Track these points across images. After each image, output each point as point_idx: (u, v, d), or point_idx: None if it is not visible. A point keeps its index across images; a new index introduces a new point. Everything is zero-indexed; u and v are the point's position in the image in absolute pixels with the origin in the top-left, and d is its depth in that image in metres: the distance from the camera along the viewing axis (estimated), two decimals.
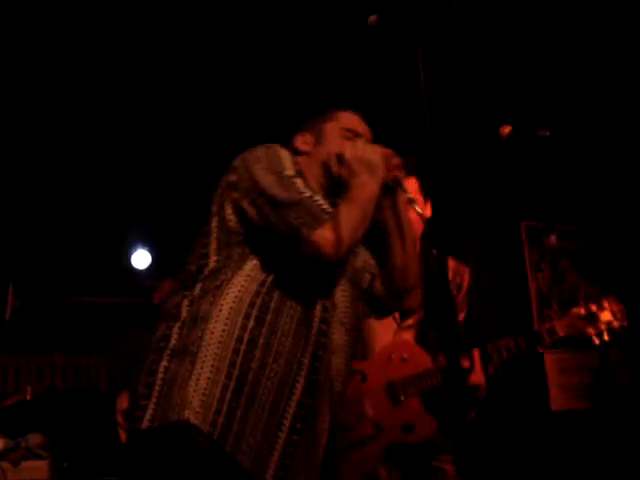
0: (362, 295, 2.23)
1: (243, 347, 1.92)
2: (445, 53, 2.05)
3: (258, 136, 2.20)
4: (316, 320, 2.04)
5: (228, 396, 1.89)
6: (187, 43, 4.28)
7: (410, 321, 2.94)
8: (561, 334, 2.82)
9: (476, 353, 2.81)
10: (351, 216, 1.97)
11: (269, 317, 1.97)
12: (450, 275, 2.83)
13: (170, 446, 1.86)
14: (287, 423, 1.96)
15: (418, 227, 2.76)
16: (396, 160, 2.14)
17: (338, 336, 2.10)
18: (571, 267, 5.37)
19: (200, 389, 1.87)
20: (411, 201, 2.17)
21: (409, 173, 2.53)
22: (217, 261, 2.02)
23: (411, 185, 2.71)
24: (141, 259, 6.05)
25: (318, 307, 2.05)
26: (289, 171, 2.01)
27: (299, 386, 1.98)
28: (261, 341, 1.94)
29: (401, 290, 2.24)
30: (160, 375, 1.91)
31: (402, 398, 2.77)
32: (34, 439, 4.12)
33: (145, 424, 1.88)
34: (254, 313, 1.96)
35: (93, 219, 5.51)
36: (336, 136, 2.23)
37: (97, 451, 4.40)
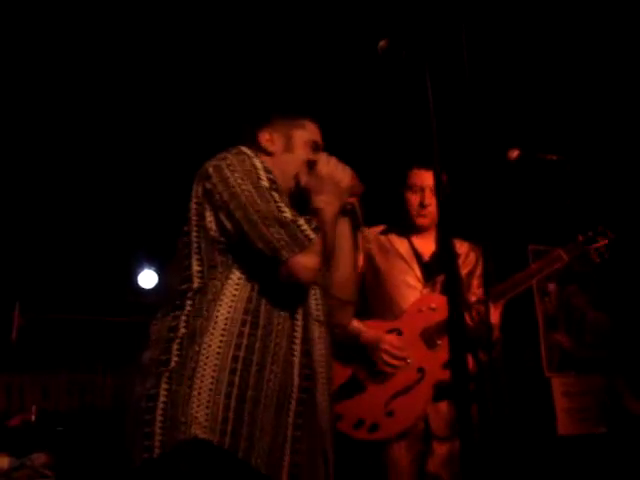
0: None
1: (242, 354, 1.95)
2: (454, 77, 2.06)
3: None
4: (299, 318, 2.08)
5: (233, 403, 1.90)
6: (190, 71, 4.32)
7: (435, 280, 3.16)
8: (565, 258, 3.12)
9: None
10: (325, 243, 2.03)
11: (262, 321, 2.00)
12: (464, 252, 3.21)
13: (185, 467, 1.86)
14: (290, 420, 1.99)
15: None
16: (359, 187, 2.20)
17: (315, 331, 2.14)
18: (578, 291, 5.36)
19: (203, 402, 1.88)
20: (359, 227, 2.28)
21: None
22: (202, 274, 2.03)
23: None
24: (148, 278, 6.08)
25: (299, 305, 2.10)
26: (264, 182, 2.03)
27: (295, 383, 2.02)
28: (258, 345, 1.97)
29: (336, 302, 2.27)
30: (162, 399, 1.91)
31: (438, 342, 2.99)
32: (39, 459, 4.10)
33: (156, 452, 1.87)
34: (249, 319, 1.99)
35: (101, 238, 5.53)
36: (305, 146, 2.26)
37: (102, 471, 4.39)
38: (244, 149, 2.11)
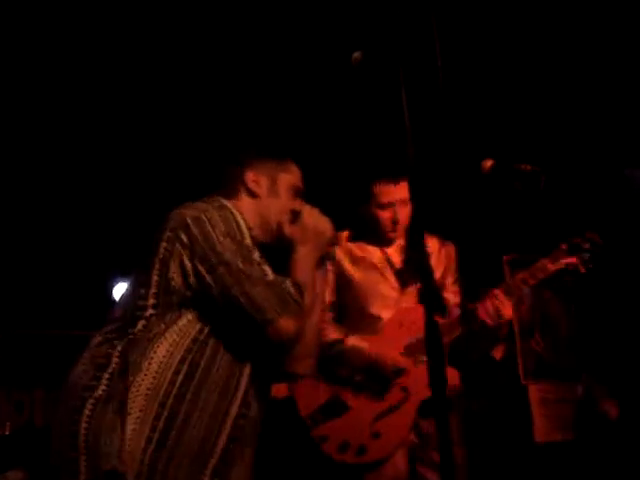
0: None
1: (170, 401, 1.94)
2: (428, 88, 2.07)
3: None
4: (246, 372, 2.07)
5: (151, 447, 1.90)
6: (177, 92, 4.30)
7: (411, 287, 3.11)
8: (551, 269, 3.02)
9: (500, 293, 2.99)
10: (307, 300, 2.05)
11: (198, 374, 1.99)
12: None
13: None
14: (208, 472, 1.98)
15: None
16: (335, 237, 2.24)
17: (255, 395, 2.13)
18: (553, 297, 5.39)
19: (125, 439, 1.87)
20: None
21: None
22: (152, 315, 2.01)
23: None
24: (122, 291, 6.01)
25: (249, 361, 2.09)
26: (248, 240, 2.04)
27: (224, 435, 2.01)
28: (188, 397, 1.97)
29: (296, 353, 2.22)
30: (83, 425, 1.90)
31: (422, 358, 2.88)
32: (15, 475, 4.05)
33: (81, 478, 1.87)
34: (184, 369, 1.98)
35: (74, 252, 5.48)
36: (289, 191, 2.27)
37: None
38: (225, 202, 2.12)
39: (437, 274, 3.14)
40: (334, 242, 2.25)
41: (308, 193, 2.35)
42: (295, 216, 2.20)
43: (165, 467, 1.91)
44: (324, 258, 2.22)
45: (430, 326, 1.68)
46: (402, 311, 3.08)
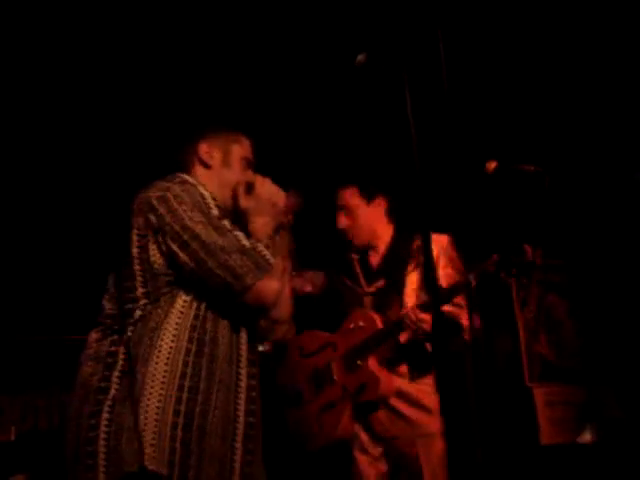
0: None
1: (187, 383, 1.94)
2: (432, 89, 2.07)
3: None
4: (243, 341, 2.10)
5: (180, 433, 1.88)
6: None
7: (372, 288, 3.20)
8: (473, 283, 2.91)
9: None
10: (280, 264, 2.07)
11: (207, 348, 2.00)
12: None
13: None
14: (239, 446, 1.99)
15: None
16: (297, 204, 2.27)
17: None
18: (558, 300, 5.39)
19: (149, 433, 1.85)
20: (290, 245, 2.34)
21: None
22: (146, 304, 2.00)
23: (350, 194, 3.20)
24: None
25: (245, 328, 2.11)
26: (214, 211, 2.04)
27: (241, 408, 2.02)
28: (203, 373, 1.97)
29: (276, 317, 2.25)
30: (103, 429, 1.87)
31: (359, 362, 3.01)
32: None
33: None
34: (193, 348, 1.98)
35: (77, 258, 5.48)
36: (241, 162, 2.28)
37: None
38: (186, 177, 2.12)
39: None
40: (289, 210, 2.26)
41: (311, 195, 2.35)
42: (249, 187, 2.22)
43: (198, 446, 1.90)
44: (279, 228, 2.22)
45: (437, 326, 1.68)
46: (355, 314, 3.16)
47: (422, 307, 2.91)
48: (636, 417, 4.79)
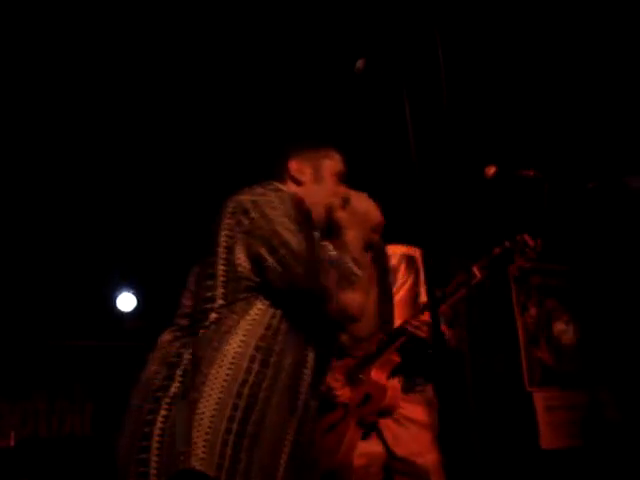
0: None
1: (246, 391, 1.92)
2: (431, 95, 2.07)
3: (242, 180, 2.21)
4: (311, 356, 2.06)
5: (232, 439, 1.87)
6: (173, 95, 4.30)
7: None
8: (479, 276, 2.88)
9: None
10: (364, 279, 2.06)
11: (273, 359, 1.98)
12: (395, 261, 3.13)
13: None
14: (282, 463, 1.96)
15: None
16: (381, 223, 2.24)
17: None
18: (558, 305, 5.40)
19: (202, 434, 1.85)
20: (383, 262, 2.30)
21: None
22: (222, 306, 2.00)
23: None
24: (126, 302, 6.01)
25: (316, 342, 2.08)
26: (307, 220, 2.05)
27: (292, 425, 1.99)
28: (265, 384, 1.95)
29: (353, 337, 2.22)
30: (159, 425, 1.88)
31: (361, 376, 2.94)
32: None
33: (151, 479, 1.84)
34: (259, 356, 1.96)
35: (78, 262, 5.48)
36: (333, 177, 2.28)
37: None
38: (281, 186, 2.13)
39: (409, 283, 3.15)
40: (379, 228, 2.25)
41: None
42: (345, 201, 2.22)
43: (248, 454, 1.89)
44: (370, 244, 2.22)
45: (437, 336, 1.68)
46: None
47: (424, 308, 2.89)
48: (635, 420, 4.79)
